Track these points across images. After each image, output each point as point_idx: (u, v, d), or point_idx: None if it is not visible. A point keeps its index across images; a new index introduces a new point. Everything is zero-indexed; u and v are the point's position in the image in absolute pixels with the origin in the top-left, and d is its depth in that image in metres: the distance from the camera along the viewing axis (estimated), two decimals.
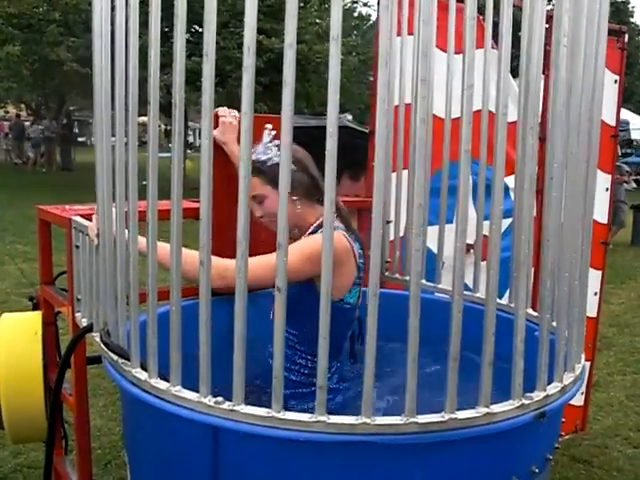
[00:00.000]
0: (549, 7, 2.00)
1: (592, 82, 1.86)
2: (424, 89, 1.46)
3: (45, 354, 2.74)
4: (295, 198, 2.21)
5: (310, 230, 2.28)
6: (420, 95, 1.46)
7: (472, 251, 2.81)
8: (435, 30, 2.65)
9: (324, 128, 1.45)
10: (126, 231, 1.80)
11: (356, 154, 3.15)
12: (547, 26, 1.78)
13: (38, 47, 16.26)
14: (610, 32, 3.39)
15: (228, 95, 14.72)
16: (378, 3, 3.00)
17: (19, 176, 19.89)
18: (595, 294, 3.94)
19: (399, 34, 2.95)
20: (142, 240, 1.78)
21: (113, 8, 1.79)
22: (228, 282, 1.77)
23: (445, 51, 2.78)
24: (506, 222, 2.80)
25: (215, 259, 1.76)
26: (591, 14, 1.82)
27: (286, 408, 1.59)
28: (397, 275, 2.98)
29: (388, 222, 3.01)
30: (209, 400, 1.61)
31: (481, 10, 2.63)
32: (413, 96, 2.67)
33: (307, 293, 2.04)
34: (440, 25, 2.84)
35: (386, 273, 3.02)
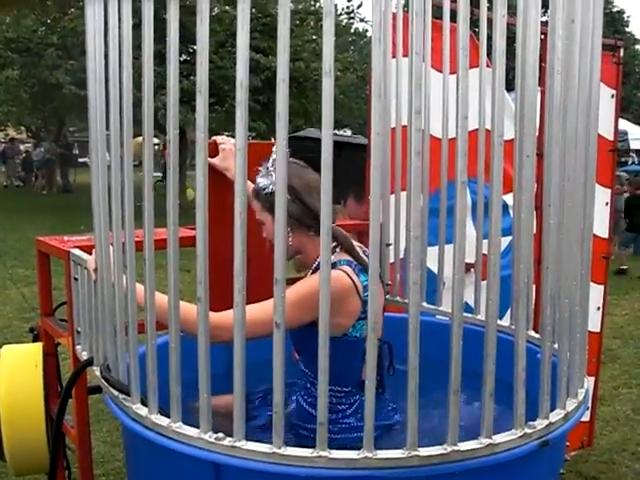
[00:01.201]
0: (544, 19, 2.00)
1: (587, 104, 1.86)
2: (418, 121, 1.46)
3: (46, 385, 2.73)
4: (288, 229, 2.14)
5: (314, 265, 2.20)
6: (414, 127, 1.46)
7: (472, 270, 2.80)
8: (429, 60, 2.67)
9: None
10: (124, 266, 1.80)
11: (362, 173, 3.11)
12: (542, 37, 1.78)
13: (37, 71, 16.33)
14: (605, 47, 3.41)
15: (227, 114, 14.76)
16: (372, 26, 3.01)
17: (20, 199, 19.91)
18: (598, 309, 3.92)
19: (394, 56, 2.96)
20: (140, 290, 1.77)
21: (106, 31, 1.80)
22: (224, 340, 1.74)
23: (440, 71, 2.79)
24: (506, 240, 2.80)
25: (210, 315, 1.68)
26: (584, 36, 1.83)
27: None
28: (398, 298, 2.97)
29: (388, 245, 3.01)
30: (209, 436, 1.60)
31: (476, 23, 2.65)
32: (408, 124, 2.67)
33: (312, 331, 1.98)
34: (435, 46, 2.86)
35: (387, 296, 3.01)
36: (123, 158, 1.76)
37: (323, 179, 1.42)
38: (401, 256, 2.99)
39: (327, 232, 1.49)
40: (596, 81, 1.90)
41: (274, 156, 2.15)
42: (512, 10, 1.93)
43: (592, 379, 3.76)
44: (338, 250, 2.19)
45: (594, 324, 3.78)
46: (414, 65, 1.48)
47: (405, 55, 2.91)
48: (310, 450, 1.54)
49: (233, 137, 2.64)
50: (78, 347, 2.36)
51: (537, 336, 2.22)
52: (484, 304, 2.21)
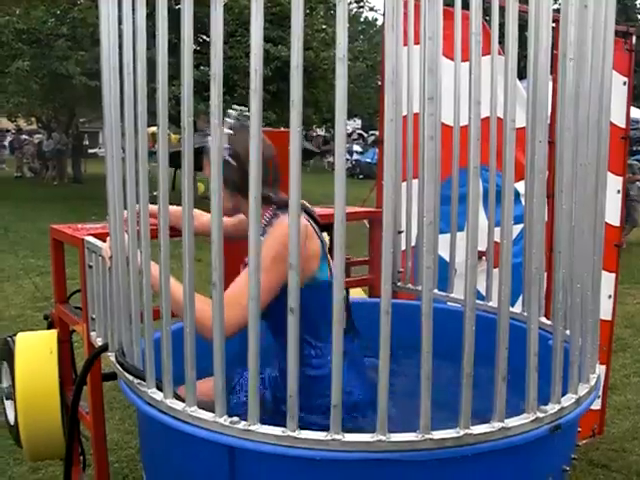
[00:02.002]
0: (555, 6, 2.00)
1: (599, 90, 1.86)
2: (432, 107, 1.47)
3: (61, 372, 2.76)
4: (227, 191, 2.14)
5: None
6: (427, 112, 1.47)
7: (484, 258, 2.81)
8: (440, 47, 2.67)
9: None
10: (138, 253, 1.82)
11: None
12: (553, 25, 1.78)
13: (47, 61, 16.35)
14: (617, 33, 3.40)
15: (237, 103, 14.74)
16: (384, 14, 3.01)
17: (31, 189, 19.99)
18: (609, 297, 3.92)
19: (406, 44, 2.96)
20: (154, 270, 1.80)
21: (120, 20, 1.81)
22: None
23: (451, 59, 2.79)
24: (517, 228, 2.80)
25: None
26: (597, 22, 1.83)
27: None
28: (409, 285, 2.98)
29: (399, 232, 3.02)
30: (225, 420, 1.62)
31: (487, 12, 2.64)
32: (421, 109, 2.68)
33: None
34: (447, 34, 2.85)
35: (398, 283, 3.03)
36: (138, 147, 1.78)
37: (337, 168, 1.43)
38: (412, 244, 3.01)
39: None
40: (609, 67, 1.89)
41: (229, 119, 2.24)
42: None
43: (603, 367, 3.76)
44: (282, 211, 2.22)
45: (605, 312, 3.78)
46: (427, 51, 1.48)
47: (417, 43, 2.92)
48: (324, 433, 1.55)
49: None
50: (93, 333, 2.38)
51: (548, 322, 2.23)
52: (495, 291, 2.22)
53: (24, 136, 27.47)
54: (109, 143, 1.92)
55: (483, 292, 2.77)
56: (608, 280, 3.76)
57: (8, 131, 32.01)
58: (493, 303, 2.62)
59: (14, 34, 16.45)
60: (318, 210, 3.15)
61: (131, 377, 1.90)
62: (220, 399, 1.63)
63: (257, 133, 1.49)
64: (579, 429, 2.13)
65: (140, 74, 1.73)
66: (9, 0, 16.05)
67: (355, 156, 26.15)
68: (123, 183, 1.87)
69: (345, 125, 1.43)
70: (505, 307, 1.64)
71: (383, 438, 1.53)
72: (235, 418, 1.61)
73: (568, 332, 1.90)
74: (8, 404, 2.97)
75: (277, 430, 1.58)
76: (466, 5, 2.19)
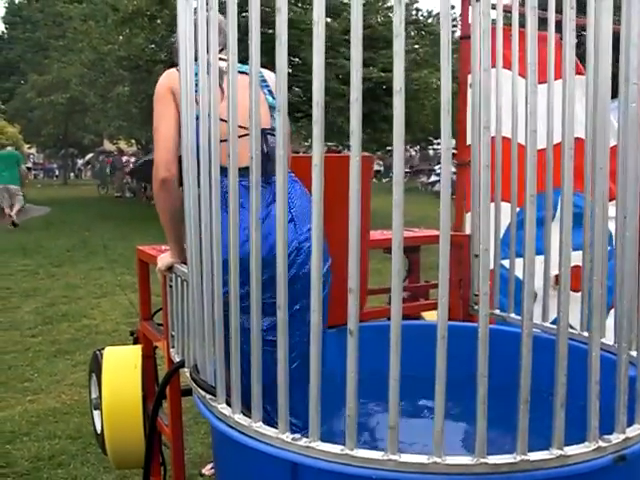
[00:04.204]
0: None
1: None
2: (487, 136, 1.49)
3: (144, 386, 2.89)
4: None
5: None
6: (483, 141, 1.50)
7: None
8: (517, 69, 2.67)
9: None
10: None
11: None
12: None
13: (146, 86, 16.98)
14: None
15: (327, 125, 14.91)
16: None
17: (129, 208, 20.71)
18: None
19: (494, 66, 2.94)
20: None
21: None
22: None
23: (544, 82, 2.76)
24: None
25: None
26: None
27: None
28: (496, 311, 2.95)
29: (476, 256, 3.00)
30: (287, 436, 1.68)
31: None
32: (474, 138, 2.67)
33: None
34: (523, 56, 2.83)
35: (475, 307, 3.01)
36: (211, 171, 1.87)
37: (396, 192, 1.48)
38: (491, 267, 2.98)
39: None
40: None
41: None
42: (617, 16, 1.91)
43: None
44: None
45: None
46: (482, 82, 1.51)
47: (504, 67, 2.91)
48: (381, 453, 1.58)
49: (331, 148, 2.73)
50: (172, 350, 2.50)
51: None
52: (577, 317, 2.19)
53: (125, 157, 28.54)
54: (186, 160, 2.03)
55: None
56: None
57: (110, 152, 33.40)
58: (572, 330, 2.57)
59: (116, 61, 17.21)
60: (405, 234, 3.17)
61: (203, 392, 1.99)
62: (283, 416, 1.70)
63: (319, 162, 1.55)
64: None
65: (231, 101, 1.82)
66: (113, 30, 16.85)
67: None
68: (199, 205, 1.97)
69: (403, 154, 1.48)
70: (564, 332, 1.63)
71: (439, 460, 1.55)
72: (297, 435, 1.67)
73: (634, 353, 1.87)
74: (96, 414, 3.14)
75: (335, 448, 1.62)
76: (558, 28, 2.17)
